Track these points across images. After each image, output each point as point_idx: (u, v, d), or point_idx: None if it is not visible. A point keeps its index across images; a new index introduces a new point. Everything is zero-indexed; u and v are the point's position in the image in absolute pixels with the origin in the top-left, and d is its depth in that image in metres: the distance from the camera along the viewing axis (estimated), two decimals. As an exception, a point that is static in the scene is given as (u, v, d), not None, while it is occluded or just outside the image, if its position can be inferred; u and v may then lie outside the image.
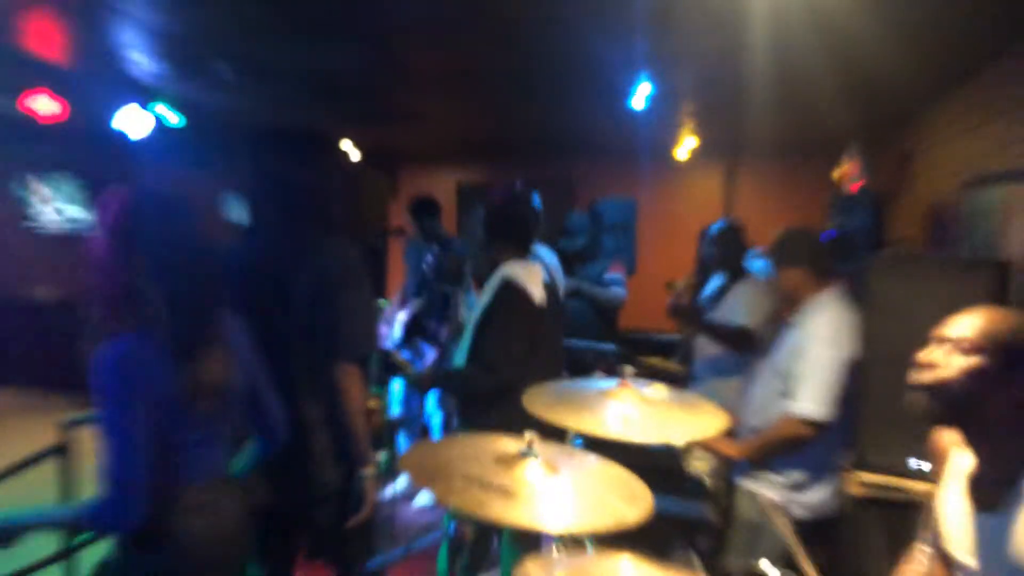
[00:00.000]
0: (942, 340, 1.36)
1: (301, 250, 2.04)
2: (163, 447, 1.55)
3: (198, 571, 1.60)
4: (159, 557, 1.56)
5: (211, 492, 1.64)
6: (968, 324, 1.33)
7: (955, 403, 1.32)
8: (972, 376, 1.29)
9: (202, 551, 1.58)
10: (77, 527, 1.51)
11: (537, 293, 2.67)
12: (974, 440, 1.36)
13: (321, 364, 2.02)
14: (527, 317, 2.62)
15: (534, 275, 2.70)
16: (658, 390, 1.93)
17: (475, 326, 2.66)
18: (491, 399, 2.54)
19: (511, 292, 2.62)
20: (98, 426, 1.47)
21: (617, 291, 4.26)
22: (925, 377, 1.35)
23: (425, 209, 4.59)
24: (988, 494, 1.32)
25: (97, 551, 2.73)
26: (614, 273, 4.31)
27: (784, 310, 2.59)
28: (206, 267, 1.60)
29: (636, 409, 1.80)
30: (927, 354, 1.37)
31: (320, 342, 2.01)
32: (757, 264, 3.50)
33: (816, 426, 2.30)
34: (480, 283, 3.78)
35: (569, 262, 4.30)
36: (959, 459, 1.44)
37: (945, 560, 1.45)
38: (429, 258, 4.53)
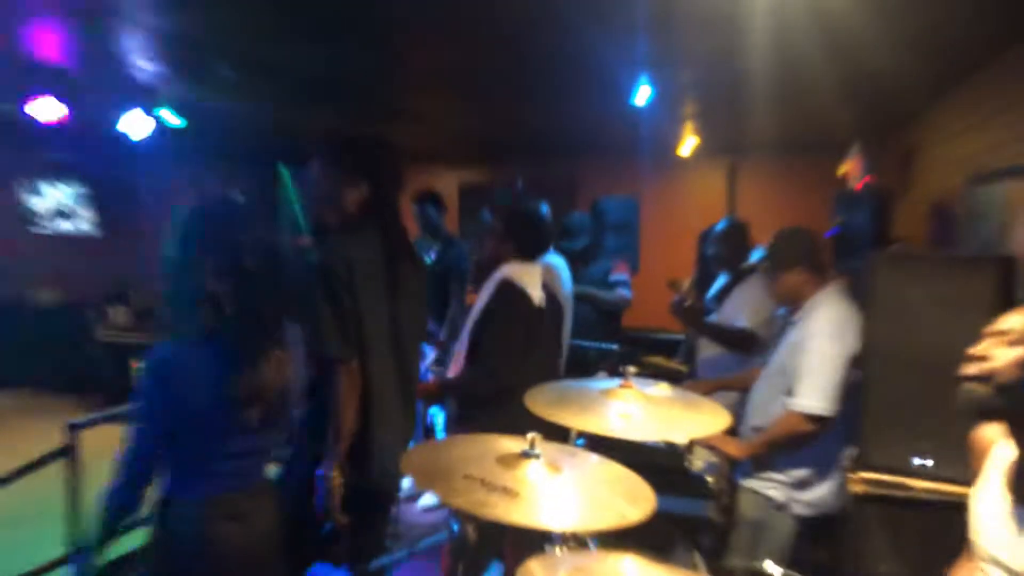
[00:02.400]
0: (991, 335, 1.38)
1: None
2: (204, 454, 1.59)
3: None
4: (196, 562, 1.59)
5: (250, 500, 1.67)
6: (1016, 318, 1.36)
7: (1003, 392, 1.33)
8: (1021, 366, 1.31)
9: (237, 558, 1.61)
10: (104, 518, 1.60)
11: (536, 294, 2.67)
12: (1020, 431, 1.38)
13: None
14: (525, 317, 2.62)
15: (533, 276, 2.70)
16: (661, 389, 1.93)
17: (473, 326, 2.65)
18: (490, 401, 2.54)
19: (509, 292, 2.62)
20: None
21: (622, 293, 4.22)
22: (973, 369, 1.37)
23: (431, 200, 4.61)
24: None
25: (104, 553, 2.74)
26: (619, 274, 4.27)
27: (791, 311, 2.59)
28: (272, 274, 1.65)
29: (638, 408, 1.81)
30: (978, 349, 1.39)
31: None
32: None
33: (818, 421, 2.30)
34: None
35: (571, 263, 4.28)
36: (1002, 452, 1.45)
37: (974, 553, 1.45)
38: (432, 256, 4.55)
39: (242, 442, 1.63)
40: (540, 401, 1.80)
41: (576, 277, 4.25)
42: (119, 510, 1.58)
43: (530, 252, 2.75)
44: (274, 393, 1.63)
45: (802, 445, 2.37)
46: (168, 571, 1.62)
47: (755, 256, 3.56)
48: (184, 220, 1.63)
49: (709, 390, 2.83)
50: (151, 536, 1.65)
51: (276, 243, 1.72)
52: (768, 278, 2.65)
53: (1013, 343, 1.33)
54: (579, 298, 4.13)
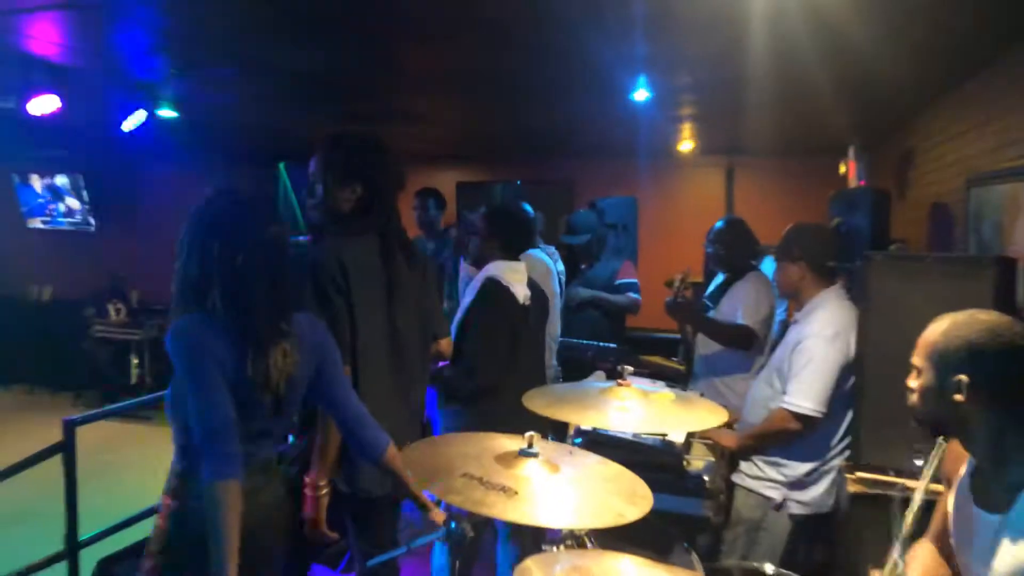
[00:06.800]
0: (917, 352, 1.41)
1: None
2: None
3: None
4: (195, 539, 1.56)
5: (254, 476, 1.66)
6: (918, 346, 1.39)
7: (930, 422, 1.38)
8: (925, 396, 1.35)
9: (243, 533, 1.59)
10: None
11: (520, 292, 2.69)
12: (966, 446, 1.39)
13: None
14: (509, 316, 2.64)
15: (518, 274, 2.72)
16: (658, 389, 1.94)
17: (458, 325, 2.66)
18: (472, 398, 2.55)
19: (494, 290, 2.64)
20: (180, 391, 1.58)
21: (632, 296, 4.24)
22: (908, 402, 1.41)
23: (433, 196, 4.73)
24: (989, 494, 1.34)
25: (98, 551, 2.74)
26: (627, 277, 4.28)
27: (791, 307, 2.60)
28: (277, 267, 1.67)
29: (635, 405, 1.81)
30: (910, 371, 1.42)
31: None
32: (770, 266, 3.48)
33: (806, 421, 2.32)
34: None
35: (574, 260, 4.29)
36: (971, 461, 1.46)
37: (952, 558, 1.46)
38: (430, 246, 4.63)
39: (252, 424, 1.64)
40: (539, 400, 1.81)
41: (581, 278, 4.25)
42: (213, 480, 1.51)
43: (514, 248, 2.78)
44: (281, 383, 1.65)
45: (789, 442, 2.39)
46: (179, 547, 1.63)
47: (764, 264, 3.54)
48: (196, 207, 1.66)
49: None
50: (165, 514, 1.65)
51: (282, 237, 1.72)
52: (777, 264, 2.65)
53: (916, 374, 1.37)
54: (589, 303, 4.14)
